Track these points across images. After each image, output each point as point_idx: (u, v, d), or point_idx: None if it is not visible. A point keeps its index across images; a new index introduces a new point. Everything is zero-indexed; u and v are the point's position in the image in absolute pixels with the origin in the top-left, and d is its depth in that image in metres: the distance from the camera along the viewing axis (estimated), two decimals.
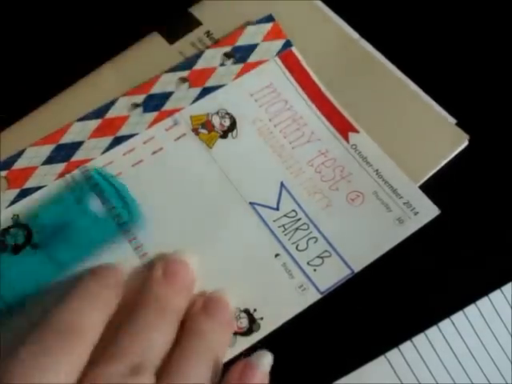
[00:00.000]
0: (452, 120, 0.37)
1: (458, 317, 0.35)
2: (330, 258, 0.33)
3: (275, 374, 0.32)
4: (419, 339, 0.34)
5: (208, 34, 0.38)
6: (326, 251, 0.34)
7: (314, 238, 0.34)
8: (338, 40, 0.39)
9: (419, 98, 0.38)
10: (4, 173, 0.34)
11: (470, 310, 0.35)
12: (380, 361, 0.33)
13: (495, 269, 0.36)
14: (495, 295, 0.36)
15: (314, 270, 0.33)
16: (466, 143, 0.36)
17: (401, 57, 0.38)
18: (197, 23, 0.39)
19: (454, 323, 0.35)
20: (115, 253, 0.33)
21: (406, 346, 0.34)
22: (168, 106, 0.36)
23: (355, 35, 0.39)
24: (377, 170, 0.35)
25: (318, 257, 0.33)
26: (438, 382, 0.34)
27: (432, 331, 0.34)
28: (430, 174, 0.35)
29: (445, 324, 0.35)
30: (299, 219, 0.34)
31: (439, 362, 0.34)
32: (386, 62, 0.38)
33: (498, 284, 0.36)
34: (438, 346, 0.34)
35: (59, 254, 0.33)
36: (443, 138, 0.36)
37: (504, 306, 0.35)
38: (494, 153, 0.38)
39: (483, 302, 0.35)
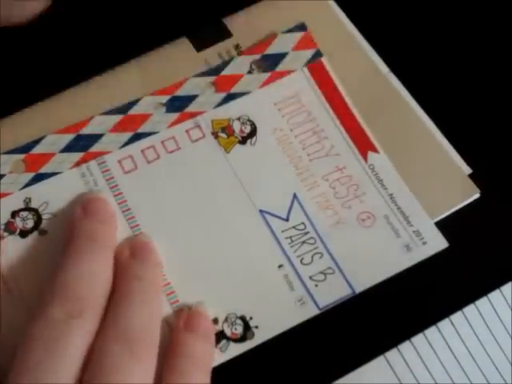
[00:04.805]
0: (467, 170, 0.37)
1: (457, 317, 0.35)
2: (333, 276, 0.33)
3: (275, 373, 0.33)
4: (418, 339, 0.34)
5: (237, 46, 0.38)
6: (329, 268, 0.34)
7: (320, 253, 0.34)
8: (366, 70, 0.39)
9: (438, 141, 0.37)
10: (22, 156, 0.34)
11: (469, 310, 0.35)
12: (379, 361, 0.33)
13: (494, 269, 0.36)
14: (494, 295, 0.36)
15: (316, 285, 0.33)
16: (477, 196, 0.36)
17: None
18: (228, 34, 0.39)
19: (453, 323, 0.35)
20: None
21: (405, 346, 0.34)
22: (191, 108, 0.36)
23: (385, 69, 0.39)
24: (391, 195, 0.35)
25: (321, 272, 0.34)
26: (437, 381, 0.34)
27: (431, 331, 0.34)
28: (435, 220, 0.35)
29: (444, 324, 0.35)
30: (307, 233, 0.34)
31: (438, 362, 0.34)
32: (411, 100, 0.38)
33: (497, 284, 0.36)
34: (437, 346, 0.34)
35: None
36: (454, 188, 0.36)
37: (503, 306, 0.35)
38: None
39: (482, 302, 0.35)
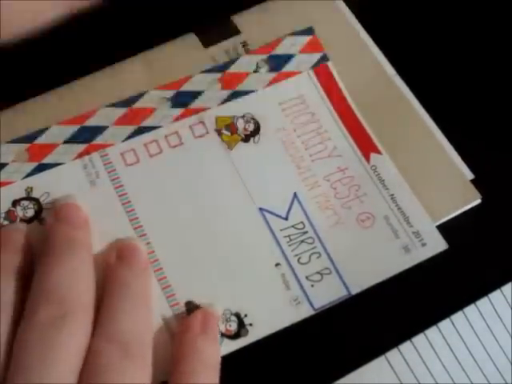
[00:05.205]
0: (469, 175, 0.37)
1: (457, 317, 0.35)
2: (330, 276, 0.34)
3: (275, 373, 0.33)
4: (419, 339, 0.34)
5: (244, 44, 0.38)
6: (326, 268, 0.34)
7: (318, 253, 0.34)
8: (373, 71, 0.39)
9: (441, 146, 0.37)
10: (26, 146, 0.35)
11: (470, 310, 0.35)
12: (380, 361, 0.33)
13: (495, 269, 0.36)
14: (495, 295, 0.35)
15: (312, 285, 0.33)
16: (478, 201, 0.36)
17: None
18: (236, 31, 0.39)
19: (453, 323, 0.34)
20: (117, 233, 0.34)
21: (405, 346, 0.34)
22: (196, 104, 0.37)
23: (392, 71, 0.39)
24: (392, 195, 0.35)
25: (317, 273, 0.34)
26: (437, 382, 0.33)
27: (431, 331, 0.34)
28: (435, 223, 0.35)
29: (444, 324, 0.34)
30: (306, 232, 0.34)
31: (438, 361, 0.34)
32: (416, 103, 0.38)
33: (497, 284, 0.36)
34: (438, 346, 0.34)
35: None
36: (456, 193, 0.36)
37: (504, 306, 0.35)
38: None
39: (483, 302, 0.35)
